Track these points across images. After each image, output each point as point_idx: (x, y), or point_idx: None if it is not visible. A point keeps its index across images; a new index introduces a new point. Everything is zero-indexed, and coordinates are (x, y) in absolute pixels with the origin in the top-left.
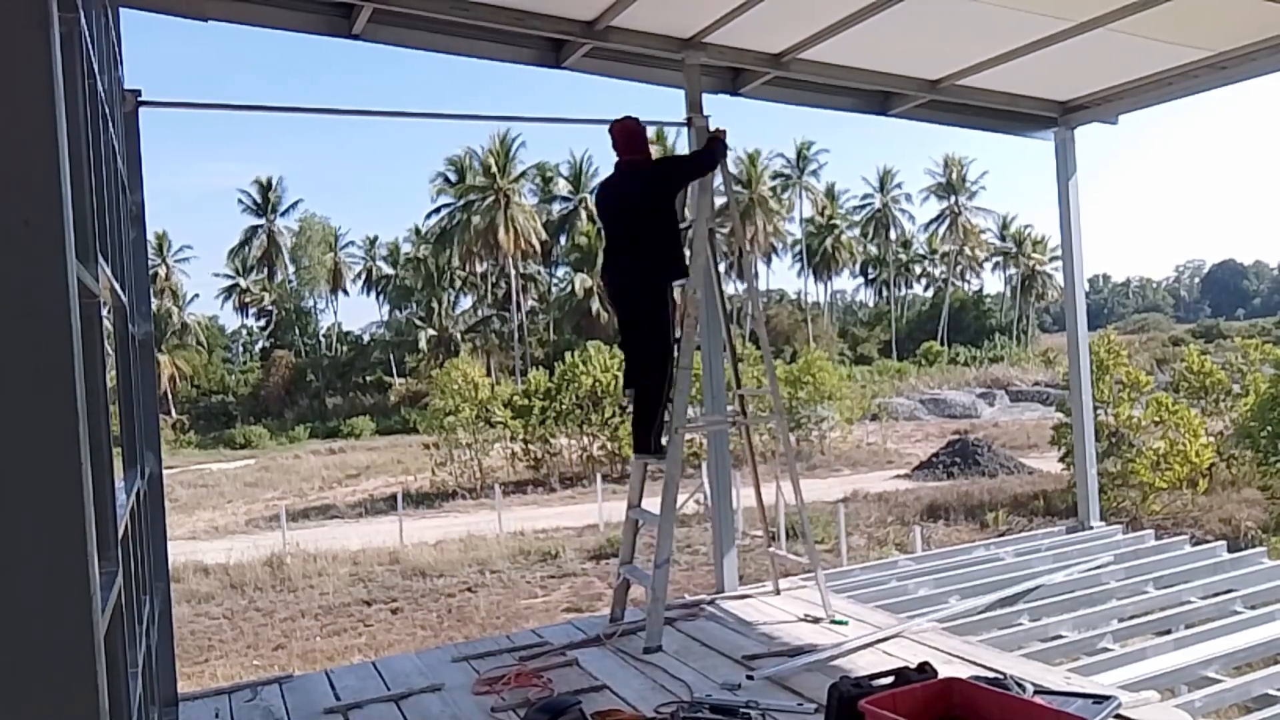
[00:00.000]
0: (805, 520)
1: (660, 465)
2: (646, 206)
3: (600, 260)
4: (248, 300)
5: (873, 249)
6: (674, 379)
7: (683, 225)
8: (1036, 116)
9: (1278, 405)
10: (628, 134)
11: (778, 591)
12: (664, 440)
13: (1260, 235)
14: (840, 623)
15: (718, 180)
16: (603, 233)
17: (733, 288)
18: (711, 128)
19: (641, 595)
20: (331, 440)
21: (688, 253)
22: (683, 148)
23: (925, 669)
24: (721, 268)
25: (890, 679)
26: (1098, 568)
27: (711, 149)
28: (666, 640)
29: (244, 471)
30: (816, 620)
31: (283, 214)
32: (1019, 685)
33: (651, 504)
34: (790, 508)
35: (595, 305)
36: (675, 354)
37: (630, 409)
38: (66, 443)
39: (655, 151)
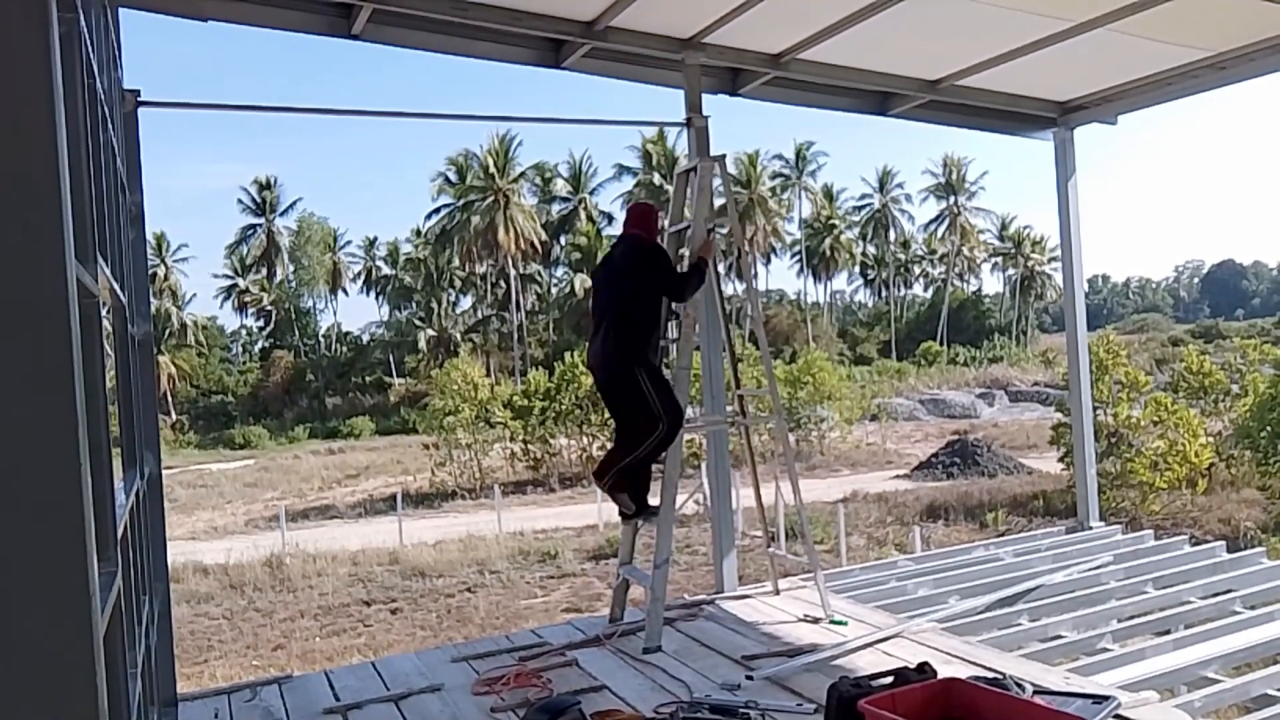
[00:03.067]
0: (805, 521)
1: (661, 464)
2: (634, 282)
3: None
4: (247, 300)
5: (872, 249)
6: (662, 438)
7: (681, 226)
8: (1036, 116)
9: (1277, 405)
10: (641, 214)
11: (777, 591)
12: (653, 501)
13: (1259, 235)
14: (840, 623)
15: (717, 181)
16: (592, 300)
17: (732, 288)
18: (713, 157)
19: (641, 595)
20: (331, 440)
21: (673, 325)
22: (683, 147)
23: (925, 669)
24: (721, 268)
25: (890, 679)
26: (1097, 568)
27: (700, 269)
28: (666, 640)
29: (243, 472)
30: (816, 620)
31: (281, 214)
32: (1018, 685)
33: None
34: (790, 508)
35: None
36: (661, 424)
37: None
38: (66, 443)
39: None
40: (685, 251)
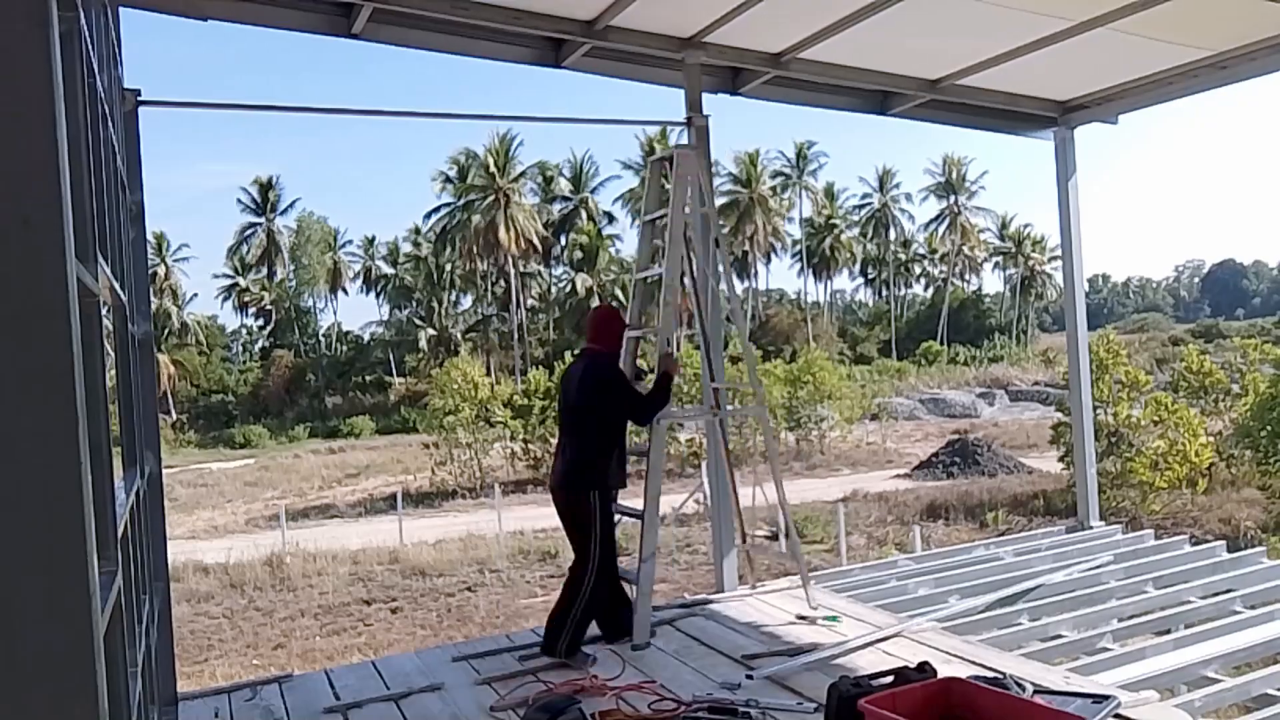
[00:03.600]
0: (788, 515)
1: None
2: (596, 408)
3: None
4: (247, 300)
5: (872, 249)
6: (592, 589)
7: (656, 215)
8: (1036, 116)
9: (1277, 405)
10: (600, 322)
11: (753, 588)
12: (565, 645)
13: (1260, 235)
14: (832, 619)
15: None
16: (558, 414)
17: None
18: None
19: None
20: (331, 440)
21: (645, 362)
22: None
23: (925, 668)
24: (721, 267)
25: (890, 678)
26: (1097, 567)
27: (665, 387)
28: (666, 640)
29: (244, 471)
30: (805, 618)
31: (281, 213)
32: (1018, 685)
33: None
34: (775, 503)
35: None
36: (592, 561)
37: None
38: (66, 443)
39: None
40: (660, 243)
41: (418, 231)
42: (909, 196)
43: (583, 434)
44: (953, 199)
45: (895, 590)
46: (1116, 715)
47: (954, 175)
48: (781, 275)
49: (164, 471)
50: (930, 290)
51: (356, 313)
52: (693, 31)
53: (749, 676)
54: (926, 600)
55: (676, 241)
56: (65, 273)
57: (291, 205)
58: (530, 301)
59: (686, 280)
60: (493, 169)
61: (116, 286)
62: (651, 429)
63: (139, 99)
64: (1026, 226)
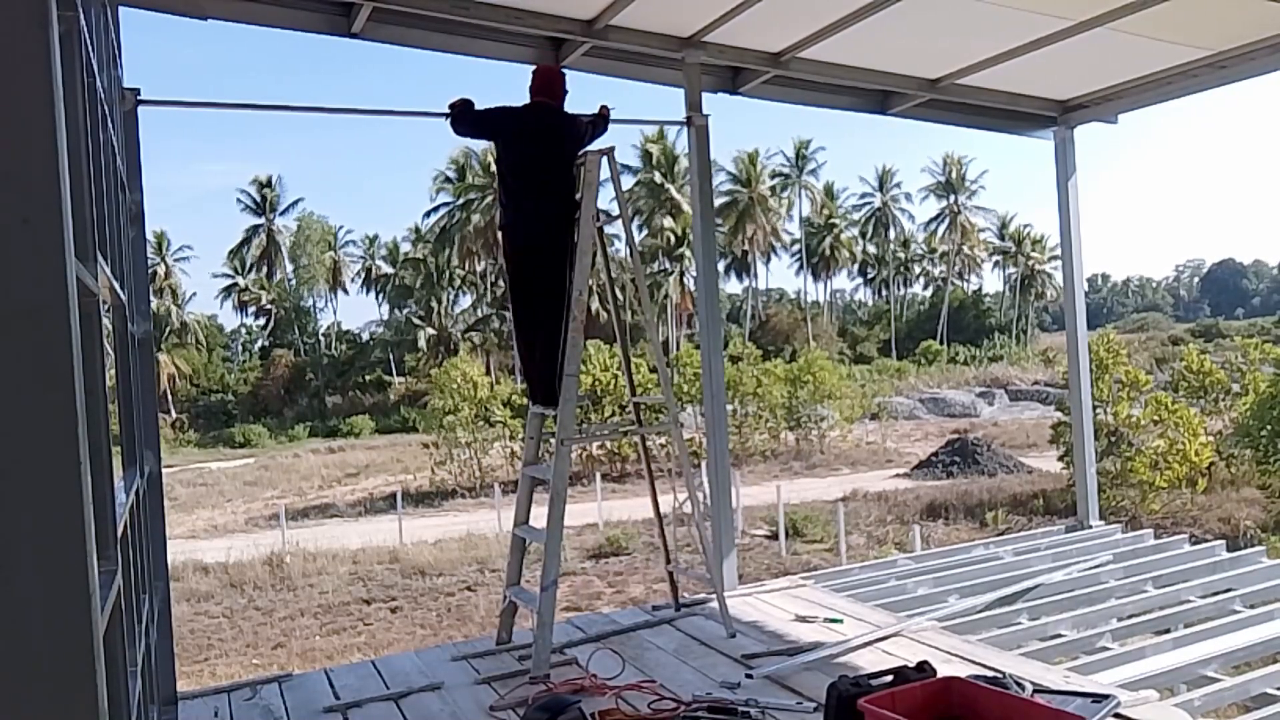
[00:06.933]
0: (705, 533)
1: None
2: (573, 154)
3: (503, 200)
4: (247, 299)
5: (872, 248)
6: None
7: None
8: (1036, 116)
9: (1277, 404)
10: (553, 78)
11: (678, 609)
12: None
13: (1260, 235)
14: (834, 620)
15: (604, 174)
16: (511, 168)
17: (735, 285)
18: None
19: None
20: (331, 439)
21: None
22: (682, 146)
23: (924, 668)
24: (721, 266)
25: (889, 678)
26: (1097, 567)
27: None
28: (666, 640)
29: (243, 470)
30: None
31: (282, 213)
32: (1018, 684)
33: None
34: (691, 517)
35: (595, 305)
36: (568, 300)
37: (525, 359)
38: (66, 442)
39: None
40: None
41: (418, 231)
42: (909, 196)
43: (566, 181)
44: (953, 198)
45: (895, 589)
46: (1116, 714)
47: (954, 175)
48: (781, 275)
49: (164, 471)
50: (930, 290)
51: (356, 312)
52: (692, 31)
53: (749, 676)
54: (926, 600)
55: (585, 252)
56: (65, 272)
57: (292, 205)
58: None
59: (584, 295)
60: (492, 168)
61: (116, 286)
62: (556, 454)
63: (139, 99)
64: (1026, 226)
